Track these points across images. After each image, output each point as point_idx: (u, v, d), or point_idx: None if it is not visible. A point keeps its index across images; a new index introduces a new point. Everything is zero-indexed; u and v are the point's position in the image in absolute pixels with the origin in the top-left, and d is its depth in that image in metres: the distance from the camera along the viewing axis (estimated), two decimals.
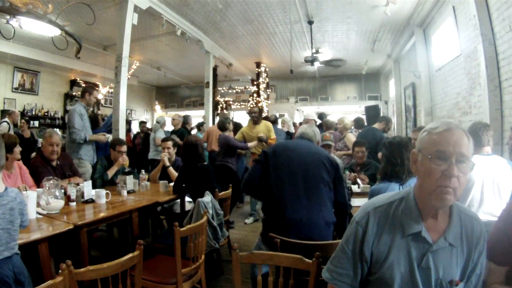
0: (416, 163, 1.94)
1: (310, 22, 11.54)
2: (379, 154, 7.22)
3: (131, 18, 8.65)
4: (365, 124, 10.68)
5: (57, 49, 6.78)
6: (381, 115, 16.02)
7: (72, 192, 4.62)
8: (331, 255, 2.12)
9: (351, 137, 8.40)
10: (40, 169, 5.27)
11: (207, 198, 4.88)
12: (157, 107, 23.61)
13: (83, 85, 15.62)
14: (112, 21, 10.25)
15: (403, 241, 1.91)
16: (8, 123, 11.48)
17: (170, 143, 6.73)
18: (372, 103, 18.63)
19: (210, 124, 12.83)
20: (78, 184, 5.03)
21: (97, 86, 7.31)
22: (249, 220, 8.39)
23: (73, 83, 16.63)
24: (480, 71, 6.93)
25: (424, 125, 10.17)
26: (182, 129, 11.40)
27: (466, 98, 8.22)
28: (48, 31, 6.59)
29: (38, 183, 4.90)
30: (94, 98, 7.30)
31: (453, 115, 9.11)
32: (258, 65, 17.33)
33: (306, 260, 2.51)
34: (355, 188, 5.84)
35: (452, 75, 9.12)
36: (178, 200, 6.05)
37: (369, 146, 7.03)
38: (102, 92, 7.63)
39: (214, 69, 15.36)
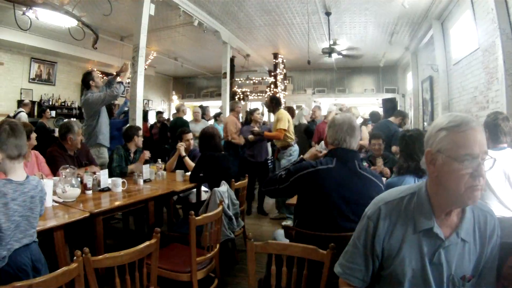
0: (434, 164, 1.86)
1: (328, 14, 11.48)
2: (393, 148, 7.18)
3: (148, 9, 8.64)
4: (381, 117, 10.61)
5: (73, 40, 6.78)
6: (398, 108, 15.97)
7: (89, 180, 4.65)
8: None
9: (364, 129, 8.34)
10: (57, 158, 5.28)
11: (223, 187, 4.91)
12: (174, 97, 23.61)
13: (100, 75, 15.69)
14: (129, 12, 10.26)
15: (414, 236, 1.90)
16: (25, 113, 11.60)
17: (190, 135, 6.83)
18: (389, 96, 18.50)
19: (227, 115, 12.86)
20: (94, 173, 5.07)
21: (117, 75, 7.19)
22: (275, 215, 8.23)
23: (90, 74, 16.37)
24: (498, 65, 6.89)
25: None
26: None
27: (483, 92, 8.16)
28: (65, 22, 6.61)
29: (54, 172, 4.91)
30: (100, 80, 7.35)
31: (470, 110, 9.04)
32: (275, 56, 17.29)
33: (321, 251, 2.50)
34: None
35: (470, 69, 9.05)
36: (194, 190, 6.13)
37: (386, 139, 7.00)
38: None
39: (232, 60, 15.33)
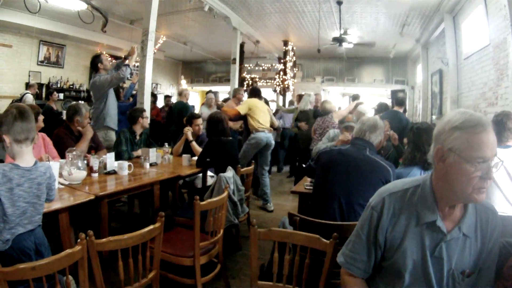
0: (444, 161, 1.85)
1: (339, 3, 11.42)
2: (405, 140, 7.15)
3: None
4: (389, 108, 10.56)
5: (82, 23, 6.81)
6: (407, 100, 15.91)
7: (95, 163, 4.66)
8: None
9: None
10: (64, 139, 5.29)
11: (229, 173, 4.92)
12: (183, 81, 23.51)
13: (109, 58, 15.70)
14: None
15: (417, 229, 1.92)
16: (31, 95, 11.64)
17: (200, 121, 6.85)
18: (398, 87, 18.46)
19: None
20: (100, 156, 5.08)
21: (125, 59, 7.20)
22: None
23: (98, 56, 16.34)
24: (508, 62, 6.87)
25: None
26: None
27: (493, 89, 8.10)
28: (74, 5, 6.61)
29: (61, 154, 4.93)
30: (108, 61, 7.34)
31: (478, 106, 9.01)
32: (285, 43, 17.24)
33: (323, 240, 2.51)
34: None
35: (480, 65, 8.98)
36: (200, 175, 6.16)
37: (395, 131, 6.93)
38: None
39: (241, 46, 15.37)
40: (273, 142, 7.92)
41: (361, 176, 3.54)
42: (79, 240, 2.32)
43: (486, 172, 1.72)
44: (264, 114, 7.93)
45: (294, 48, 17.63)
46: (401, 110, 8.06)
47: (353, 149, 3.77)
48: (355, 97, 11.06)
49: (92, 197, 3.76)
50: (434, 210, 1.88)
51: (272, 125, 8.23)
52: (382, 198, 2.01)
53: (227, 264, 4.88)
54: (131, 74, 8.69)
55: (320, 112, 9.13)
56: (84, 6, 6.75)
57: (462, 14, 10.45)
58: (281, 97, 18.39)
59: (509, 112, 4.33)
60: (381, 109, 9.17)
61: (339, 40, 12.83)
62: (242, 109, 7.84)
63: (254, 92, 8.41)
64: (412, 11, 12.05)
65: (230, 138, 5.92)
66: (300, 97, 11.64)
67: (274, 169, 12.52)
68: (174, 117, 10.29)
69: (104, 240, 2.48)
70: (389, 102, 12.54)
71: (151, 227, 2.77)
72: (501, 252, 2.02)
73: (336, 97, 23.82)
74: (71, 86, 15.72)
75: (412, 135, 4.04)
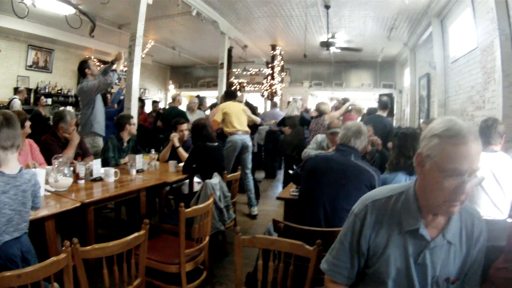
0: (422, 167, 1.85)
1: (327, 7, 11.48)
2: (390, 144, 7.19)
3: None
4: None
5: (71, 27, 6.79)
6: (394, 104, 15.99)
7: (81, 170, 4.65)
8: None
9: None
10: (51, 146, 5.28)
11: (215, 179, 4.93)
12: (171, 86, 23.65)
13: (97, 63, 15.71)
14: (127, 0, 10.23)
15: (400, 236, 1.92)
16: (20, 100, 11.64)
17: (184, 126, 6.82)
18: (386, 91, 18.60)
19: None
20: (87, 162, 5.09)
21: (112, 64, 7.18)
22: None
23: (89, 58, 16.34)
24: (495, 66, 6.90)
25: (436, 118, 10.13)
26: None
27: (480, 92, 8.17)
28: (63, 9, 6.59)
29: (48, 161, 4.93)
30: (96, 67, 7.34)
31: (466, 109, 9.08)
32: (273, 47, 17.29)
33: (307, 246, 2.52)
34: None
35: (467, 68, 9.05)
36: (187, 181, 6.13)
37: (380, 136, 6.96)
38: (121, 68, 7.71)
39: (229, 50, 15.42)
40: (250, 144, 7.88)
41: (347, 181, 3.55)
42: (64, 248, 2.32)
43: (459, 186, 1.70)
44: (238, 116, 7.92)
45: (282, 52, 17.68)
46: (384, 114, 8.09)
47: (338, 155, 3.82)
48: (345, 101, 11.10)
49: (78, 204, 3.76)
50: (417, 218, 1.87)
51: (253, 124, 8.29)
52: (365, 205, 2.02)
53: (214, 271, 4.91)
54: (119, 79, 8.69)
55: (307, 118, 9.18)
56: (72, 11, 6.73)
57: (450, 17, 10.55)
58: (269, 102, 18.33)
59: (497, 120, 4.41)
60: (371, 113, 9.21)
61: (326, 45, 12.88)
62: (217, 117, 7.84)
63: (228, 96, 8.42)
64: (400, 15, 12.15)
65: (216, 144, 5.93)
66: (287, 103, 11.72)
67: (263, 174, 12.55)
68: (168, 123, 10.25)
69: (88, 247, 2.49)
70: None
71: (136, 234, 2.79)
72: (487, 256, 2.03)
73: (319, 101, 23.93)
74: (59, 91, 15.73)
75: (397, 140, 4.08)
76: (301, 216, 3.64)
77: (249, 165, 7.96)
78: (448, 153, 1.71)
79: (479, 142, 1.74)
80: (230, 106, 7.97)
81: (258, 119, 8.41)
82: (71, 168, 4.53)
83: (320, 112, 8.52)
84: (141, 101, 12.69)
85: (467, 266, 1.94)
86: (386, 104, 8.25)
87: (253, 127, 8.45)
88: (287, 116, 9.50)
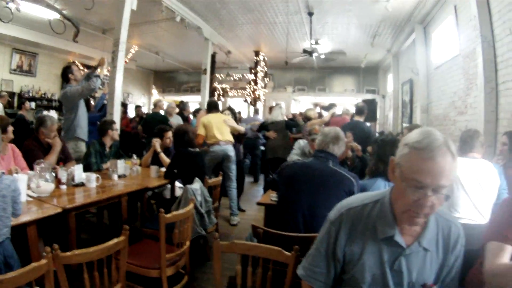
0: (393, 173, 1.89)
1: (310, 14, 11.56)
2: (369, 148, 7.26)
3: (130, 3, 8.64)
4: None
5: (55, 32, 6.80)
6: (377, 109, 16.07)
7: (63, 175, 4.65)
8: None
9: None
10: (33, 151, 5.26)
11: (196, 185, 4.97)
12: (154, 91, 23.65)
13: (81, 67, 15.66)
14: (112, 5, 10.16)
15: (375, 243, 1.93)
16: (2, 104, 11.61)
17: (170, 133, 6.83)
18: (369, 96, 18.66)
19: None
20: (69, 167, 5.08)
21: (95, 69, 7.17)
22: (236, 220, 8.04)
23: (73, 63, 16.27)
24: (477, 72, 6.98)
25: (419, 124, 10.27)
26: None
27: (462, 98, 8.27)
28: (47, 13, 6.61)
29: (30, 166, 4.93)
30: (79, 72, 7.35)
31: (448, 114, 9.17)
32: (256, 53, 17.34)
33: (285, 252, 2.55)
34: None
35: (450, 74, 9.16)
36: (169, 186, 6.13)
37: (359, 141, 7.01)
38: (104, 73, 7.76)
39: (213, 56, 15.38)
40: (231, 154, 7.86)
41: (325, 188, 3.56)
42: (44, 254, 2.34)
43: (420, 198, 1.71)
44: (219, 126, 7.94)
45: (265, 58, 17.75)
46: (361, 119, 8.13)
47: (316, 162, 3.83)
48: (331, 105, 11.11)
49: (60, 210, 3.77)
50: (392, 225, 1.88)
51: (237, 133, 8.29)
52: (340, 213, 2.02)
53: (196, 275, 4.95)
54: (103, 83, 8.68)
55: (291, 123, 9.25)
56: (57, 15, 6.75)
57: (433, 24, 10.66)
58: (251, 108, 18.37)
59: (478, 130, 4.65)
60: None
61: (309, 52, 12.93)
62: (200, 131, 7.90)
63: (209, 108, 8.44)
64: (383, 22, 12.25)
65: (198, 149, 6.00)
66: (271, 109, 11.71)
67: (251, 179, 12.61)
68: (150, 129, 10.22)
69: (69, 253, 2.51)
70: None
71: (116, 240, 2.80)
72: (466, 260, 2.07)
73: (307, 107, 23.92)
74: (43, 95, 15.68)
75: (377, 147, 4.08)
76: (280, 222, 3.63)
77: (232, 174, 7.95)
78: (413, 164, 1.73)
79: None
80: (210, 118, 8.00)
81: (242, 129, 8.37)
82: (53, 174, 4.54)
83: (307, 118, 8.57)
84: (124, 106, 12.67)
85: (444, 272, 1.96)
86: (362, 109, 8.26)
87: (239, 137, 8.44)
88: (272, 121, 9.50)
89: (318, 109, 11.23)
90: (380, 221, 1.92)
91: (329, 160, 3.80)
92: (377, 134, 14.78)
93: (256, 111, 13.76)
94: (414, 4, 10.42)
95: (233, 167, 7.97)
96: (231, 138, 8.02)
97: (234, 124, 8.09)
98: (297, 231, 3.40)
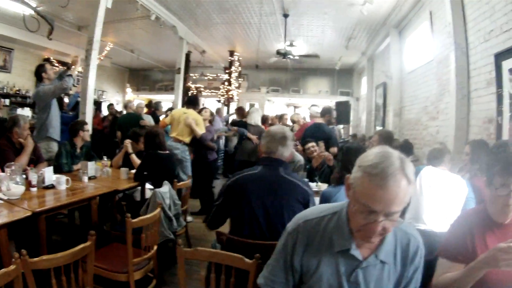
0: (348, 190, 1.88)
1: (286, 15, 11.69)
2: (332, 149, 7.37)
3: (105, 1, 8.68)
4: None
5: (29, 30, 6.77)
6: (351, 111, 16.18)
7: (34, 177, 4.64)
8: None
9: None
10: (5, 152, 5.24)
11: (165, 188, 5.03)
12: (128, 89, 23.60)
13: (56, 64, 15.55)
14: (87, 2, 10.16)
15: (332, 256, 1.94)
16: None
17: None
18: (343, 98, 18.60)
19: None
20: (40, 169, 5.08)
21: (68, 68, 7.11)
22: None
23: (47, 62, 15.80)
24: (450, 78, 7.10)
25: (390, 129, 10.41)
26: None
27: (434, 103, 8.42)
28: (23, 8, 6.59)
29: (2, 167, 4.92)
30: (52, 71, 7.30)
31: (420, 119, 9.33)
32: (231, 53, 17.40)
33: (246, 260, 2.60)
34: (312, 186, 5.64)
35: (423, 79, 9.31)
36: (139, 187, 6.14)
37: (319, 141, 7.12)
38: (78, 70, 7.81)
39: (187, 55, 15.36)
40: (175, 152, 7.67)
41: (279, 198, 3.34)
42: (13, 260, 2.37)
43: (372, 224, 1.73)
44: (177, 124, 8.01)
45: (240, 58, 17.79)
46: (323, 121, 8.25)
47: (266, 171, 3.51)
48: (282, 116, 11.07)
49: (29, 213, 3.77)
50: (348, 239, 1.90)
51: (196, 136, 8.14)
52: (297, 225, 2.04)
53: (165, 278, 4.97)
54: (78, 81, 8.64)
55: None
56: (32, 11, 6.74)
57: (408, 28, 10.83)
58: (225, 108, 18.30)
59: (448, 148, 4.96)
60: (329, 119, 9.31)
61: (282, 54, 12.98)
62: (167, 119, 8.18)
63: (187, 102, 8.51)
64: (358, 25, 12.41)
65: (167, 152, 6.03)
66: (239, 110, 11.61)
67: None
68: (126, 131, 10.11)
69: (37, 259, 2.53)
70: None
71: (82, 246, 2.84)
72: (429, 269, 2.15)
73: (281, 108, 23.98)
74: (18, 92, 15.46)
75: (342, 154, 4.15)
76: (240, 232, 3.38)
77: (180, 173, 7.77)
78: (365, 189, 1.73)
79: (407, 182, 1.70)
80: (176, 113, 8.11)
81: (198, 133, 8.06)
82: (24, 176, 4.56)
83: (293, 122, 8.66)
84: (96, 104, 12.62)
85: (403, 283, 1.99)
86: (324, 112, 8.43)
87: (197, 141, 8.25)
88: (254, 124, 9.44)
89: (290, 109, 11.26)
90: (337, 233, 1.94)
91: (279, 167, 3.50)
92: (349, 137, 14.97)
93: (218, 111, 13.40)
94: (390, 9, 10.57)
95: (184, 169, 7.89)
96: (183, 138, 8.01)
97: (193, 126, 7.93)
98: (257, 239, 3.29)
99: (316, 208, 2.18)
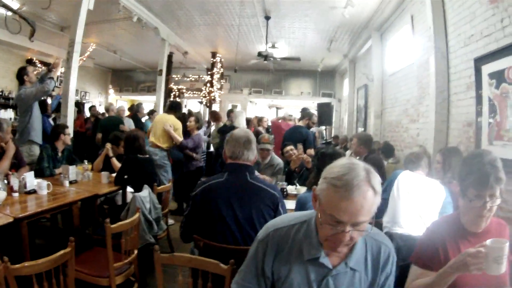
0: (315, 202, 1.90)
1: (267, 18, 11.74)
2: (309, 151, 7.46)
3: (87, 3, 8.66)
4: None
5: (13, 27, 6.75)
6: (334, 113, 16.26)
7: (15, 182, 4.63)
8: None
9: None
10: None
11: (145, 192, 5.05)
12: (111, 91, 23.56)
13: (39, 65, 15.48)
14: (69, 2, 10.11)
15: (302, 263, 1.97)
16: None
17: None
18: (325, 100, 18.71)
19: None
20: (21, 173, 5.07)
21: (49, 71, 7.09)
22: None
23: (29, 62, 15.98)
24: (430, 81, 7.18)
25: (371, 131, 10.52)
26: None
27: (415, 106, 8.49)
28: (2, 9, 6.59)
29: None
30: (34, 74, 7.25)
31: (401, 121, 9.42)
32: (213, 55, 17.42)
33: (222, 265, 2.64)
34: (291, 189, 5.82)
35: (404, 82, 9.38)
36: (121, 191, 6.15)
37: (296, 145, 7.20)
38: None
39: (170, 56, 15.44)
40: (162, 162, 7.81)
41: (248, 205, 3.30)
42: None
43: (338, 234, 1.75)
44: (156, 129, 8.00)
45: (222, 59, 17.78)
46: (302, 124, 8.44)
47: (232, 178, 3.44)
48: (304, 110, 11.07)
49: (11, 219, 3.78)
50: (318, 247, 1.92)
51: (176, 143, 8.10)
52: (267, 233, 2.07)
53: (147, 281, 4.98)
54: (61, 82, 8.60)
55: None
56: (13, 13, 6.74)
57: (390, 31, 10.93)
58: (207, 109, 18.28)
59: (425, 154, 4.87)
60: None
61: (264, 56, 13.03)
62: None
63: (169, 108, 8.49)
64: (340, 28, 12.49)
65: (147, 156, 6.07)
66: (213, 114, 11.63)
67: None
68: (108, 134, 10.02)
69: (19, 265, 2.56)
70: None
71: (62, 252, 2.88)
72: (404, 273, 2.22)
73: (263, 109, 24.08)
74: (1, 93, 15.26)
75: (317, 160, 4.16)
76: (214, 241, 3.31)
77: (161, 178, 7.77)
78: (330, 201, 1.74)
79: (373, 192, 1.72)
80: (157, 119, 8.16)
81: (178, 140, 8.03)
82: (5, 181, 4.57)
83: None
84: (78, 106, 12.56)
85: None
86: (303, 115, 8.75)
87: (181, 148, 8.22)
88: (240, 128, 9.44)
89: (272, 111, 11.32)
90: (306, 242, 1.97)
91: (245, 173, 3.45)
92: (331, 139, 15.05)
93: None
94: (371, 12, 10.65)
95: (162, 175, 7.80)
96: (160, 143, 7.97)
97: (172, 133, 7.89)
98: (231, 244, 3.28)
99: (286, 217, 2.20)
